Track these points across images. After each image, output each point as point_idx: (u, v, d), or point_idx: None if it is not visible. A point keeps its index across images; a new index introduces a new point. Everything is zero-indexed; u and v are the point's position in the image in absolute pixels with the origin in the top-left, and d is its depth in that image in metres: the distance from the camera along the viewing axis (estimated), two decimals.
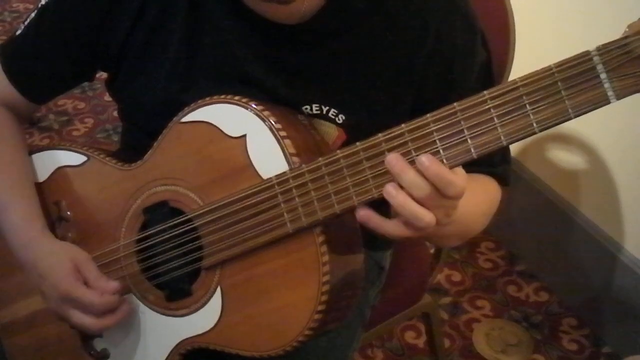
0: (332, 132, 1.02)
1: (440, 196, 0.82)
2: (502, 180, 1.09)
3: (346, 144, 1.00)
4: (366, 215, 0.85)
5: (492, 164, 1.06)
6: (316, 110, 1.01)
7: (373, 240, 1.16)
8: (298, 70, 1.01)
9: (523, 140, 0.82)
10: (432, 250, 1.57)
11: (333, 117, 1.02)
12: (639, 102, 0.99)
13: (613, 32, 0.79)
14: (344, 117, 1.02)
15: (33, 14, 1.09)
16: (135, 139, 1.12)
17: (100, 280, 1.02)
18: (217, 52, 1.02)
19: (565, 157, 1.95)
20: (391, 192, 0.82)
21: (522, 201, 2.09)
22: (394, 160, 0.82)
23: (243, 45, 1.01)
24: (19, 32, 1.11)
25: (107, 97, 2.82)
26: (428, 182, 0.81)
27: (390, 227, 0.84)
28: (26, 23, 1.10)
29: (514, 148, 0.99)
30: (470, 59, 1.03)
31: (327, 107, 1.01)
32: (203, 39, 1.02)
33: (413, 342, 1.93)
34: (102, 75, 1.13)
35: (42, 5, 1.08)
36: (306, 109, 1.01)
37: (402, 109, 1.02)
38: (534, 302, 2.04)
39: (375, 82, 1.01)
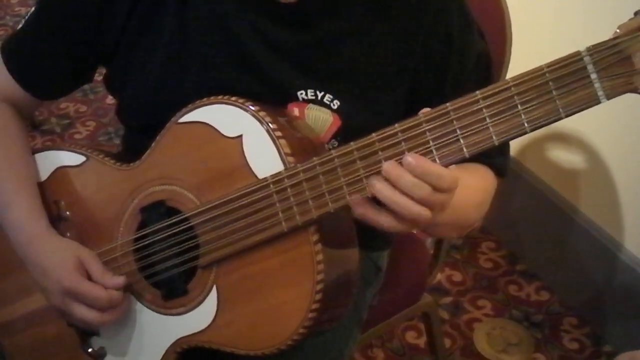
0: (327, 118, 1.03)
1: (436, 192, 0.83)
2: (499, 170, 1.09)
3: (341, 130, 1.01)
4: (360, 201, 0.86)
5: (489, 154, 1.06)
6: (311, 95, 1.02)
7: (370, 241, 1.16)
8: (294, 53, 1.01)
9: (523, 141, 0.83)
10: (431, 251, 1.57)
11: (328, 102, 1.02)
12: (638, 102, 1.00)
13: (611, 33, 0.79)
14: (339, 103, 1.02)
15: (33, 9, 1.10)
16: (134, 140, 1.12)
17: (106, 276, 1.03)
18: (211, 33, 1.01)
19: (565, 157, 1.95)
20: (377, 186, 0.84)
21: (522, 201, 2.09)
22: (390, 167, 0.83)
23: (239, 23, 1.00)
24: (20, 26, 1.12)
25: (109, 100, 2.84)
26: (424, 181, 0.82)
27: (382, 219, 0.85)
28: (26, 18, 1.11)
29: (514, 148, 0.99)
30: (468, 37, 1.04)
31: (322, 92, 1.02)
32: (195, 20, 1.02)
33: (414, 342, 1.93)
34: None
35: None
36: (301, 93, 1.02)
37: (399, 95, 1.03)
38: (534, 302, 2.04)
39: (372, 66, 1.02)
